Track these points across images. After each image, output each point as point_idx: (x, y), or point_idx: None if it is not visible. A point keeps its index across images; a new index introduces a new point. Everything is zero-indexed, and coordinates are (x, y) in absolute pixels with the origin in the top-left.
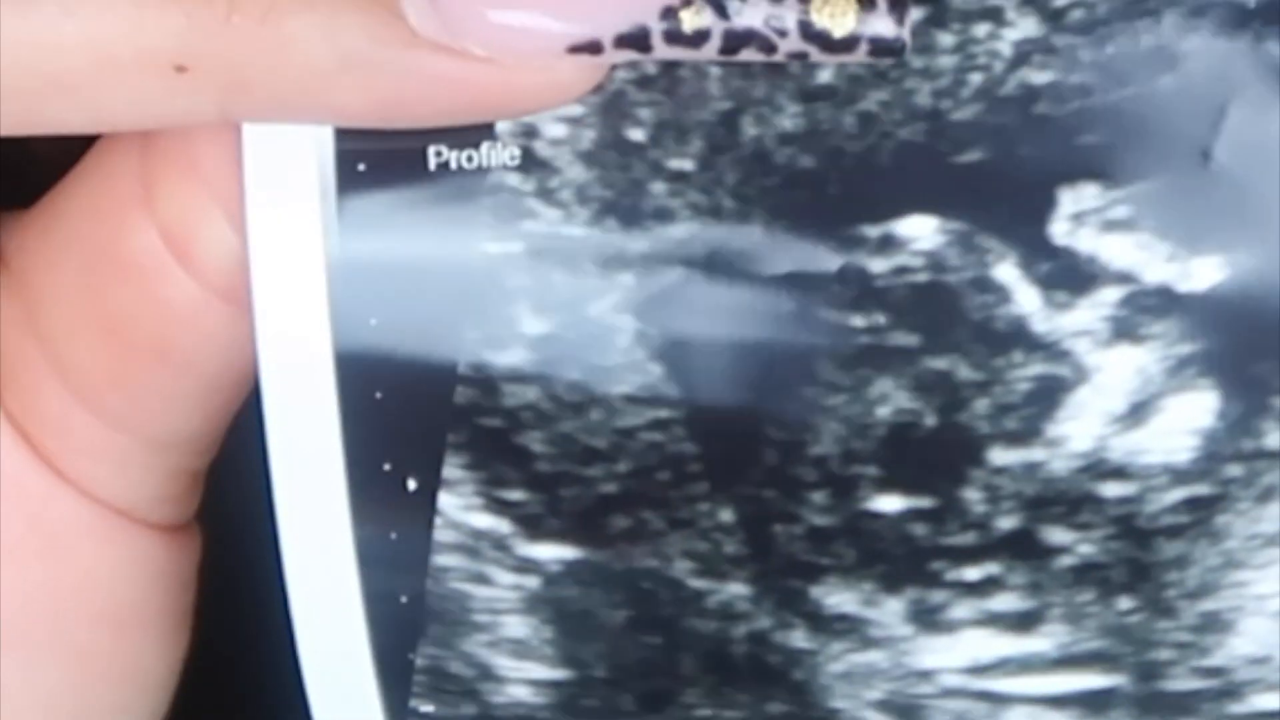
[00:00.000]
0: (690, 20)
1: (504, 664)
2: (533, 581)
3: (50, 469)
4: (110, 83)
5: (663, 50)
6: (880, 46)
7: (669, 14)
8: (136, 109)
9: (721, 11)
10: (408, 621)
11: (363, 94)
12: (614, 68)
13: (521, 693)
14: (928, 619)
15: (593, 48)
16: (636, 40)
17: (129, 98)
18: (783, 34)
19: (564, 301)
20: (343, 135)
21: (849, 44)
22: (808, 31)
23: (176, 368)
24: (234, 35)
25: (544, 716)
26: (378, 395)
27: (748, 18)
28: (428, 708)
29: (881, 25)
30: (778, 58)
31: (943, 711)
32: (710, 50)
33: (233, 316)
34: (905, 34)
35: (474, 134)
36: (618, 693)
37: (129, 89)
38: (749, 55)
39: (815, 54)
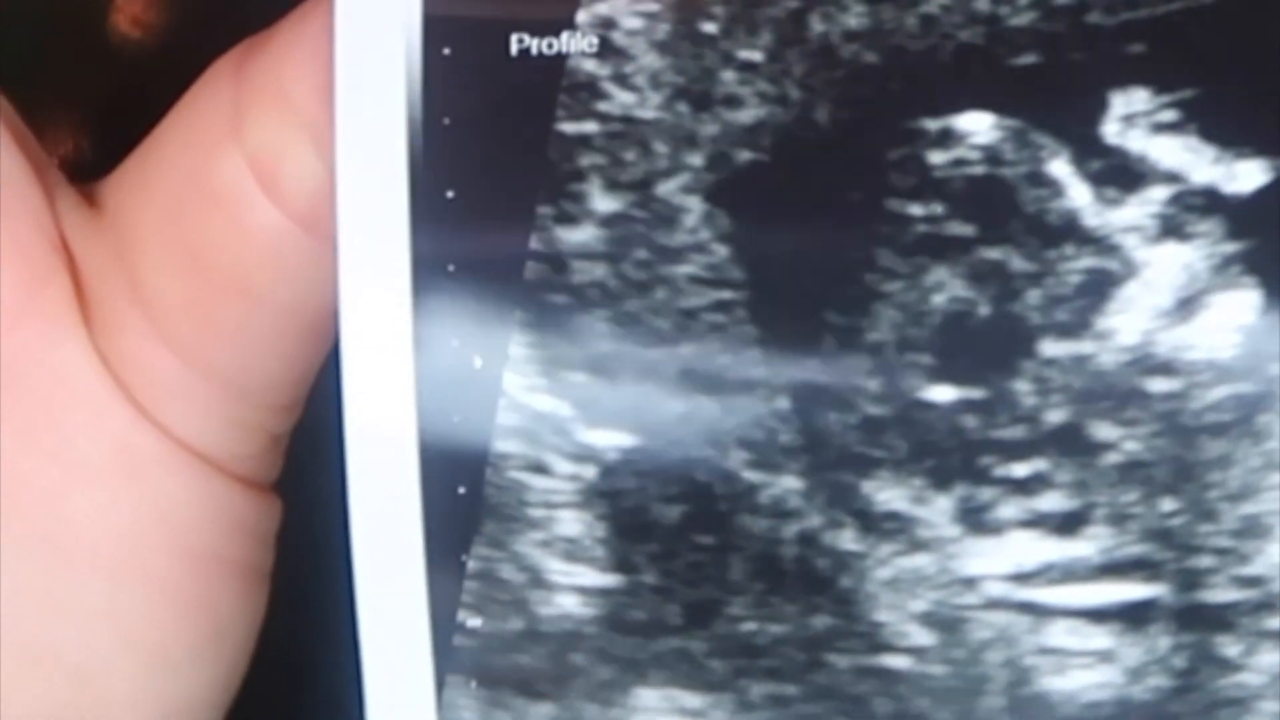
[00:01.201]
0: None
1: (555, 567)
2: (590, 471)
3: (133, 402)
4: None
5: None
6: None
7: None
8: None
9: None
10: (464, 516)
11: None
12: None
13: (570, 602)
14: (975, 519)
15: None
16: None
17: None
18: None
19: (635, 180)
20: (430, 28)
21: None
22: None
23: (254, 300)
24: None
25: (590, 631)
26: (450, 268)
27: None
28: (475, 621)
29: None
30: None
31: (985, 626)
32: None
33: (313, 250)
34: None
35: (555, 24)
36: (666, 603)
37: None
38: None
39: None
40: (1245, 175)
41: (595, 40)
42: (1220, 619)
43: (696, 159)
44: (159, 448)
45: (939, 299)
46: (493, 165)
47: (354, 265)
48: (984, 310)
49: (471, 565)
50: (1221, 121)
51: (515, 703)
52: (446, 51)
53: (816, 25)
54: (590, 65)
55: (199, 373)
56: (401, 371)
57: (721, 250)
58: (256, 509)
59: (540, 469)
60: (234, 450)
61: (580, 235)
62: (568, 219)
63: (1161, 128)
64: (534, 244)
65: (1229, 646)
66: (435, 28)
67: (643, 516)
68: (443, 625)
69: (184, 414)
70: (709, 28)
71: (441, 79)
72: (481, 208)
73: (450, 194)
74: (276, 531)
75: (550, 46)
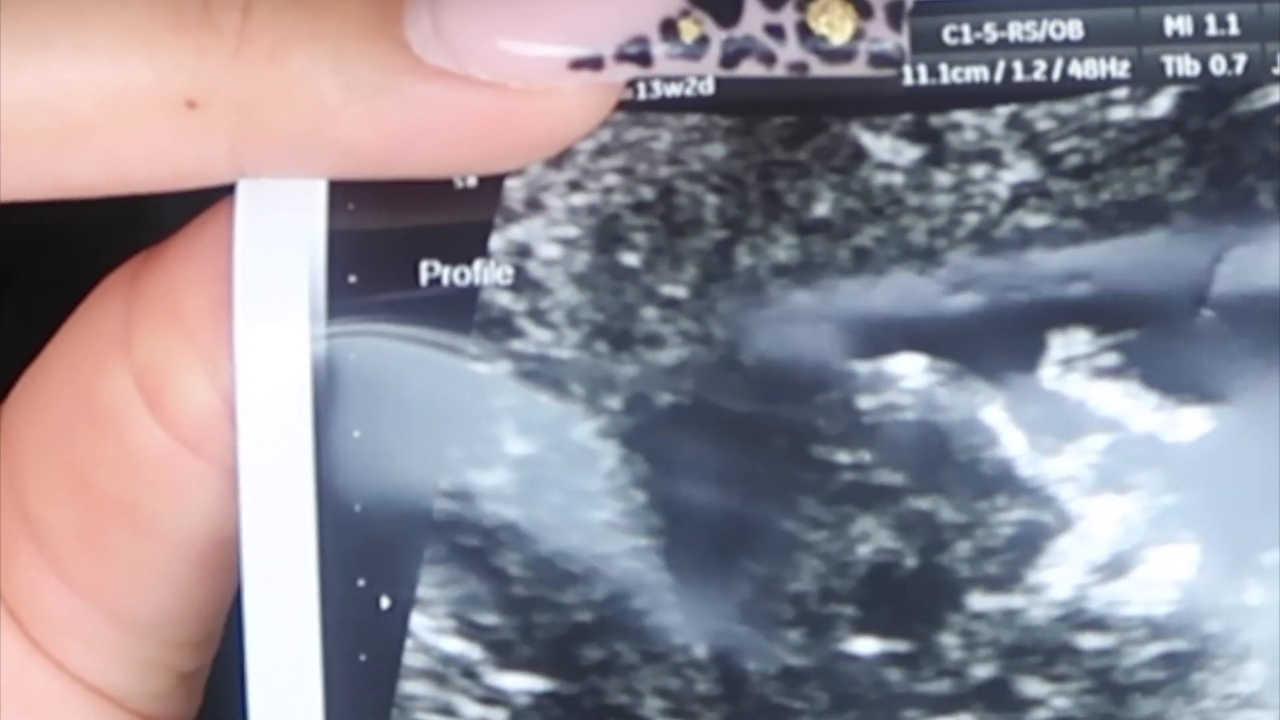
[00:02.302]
0: (689, 30)
1: None
2: (500, 715)
3: (27, 637)
4: (124, 124)
5: (663, 64)
6: (879, 57)
7: (668, 26)
8: (150, 154)
9: (719, 19)
10: None
11: (371, 127)
12: (608, 191)
13: None
14: None
15: (594, 64)
16: (637, 54)
17: (143, 140)
18: (781, 39)
19: (549, 423)
20: (335, 248)
21: (847, 54)
22: (806, 39)
23: (145, 528)
24: (243, 68)
25: None
26: (357, 508)
27: (746, 25)
28: None
29: (879, 32)
30: (778, 70)
31: None
32: (710, 62)
33: (203, 474)
34: (904, 43)
35: (467, 250)
36: None
37: (142, 130)
38: (749, 68)
39: (815, 65)
40: (1187, 423)
41: (510, 271)
42: None
43: (614, 402)
44: (55, 685)
45: (864, 550)
46: (403, 403)
47: (255, 500)
48: (911, 562)
49: None
50: (1163, 366)
51: None
52: (352, 280)
53: (744, 259)
54: (504, 299)
55: (94, 606)
56: (306, 611)
57: (639, 496)
58: None
59: (448, 711)
60: (137, 689)
61: (491, 478)
62: (479, 461)
63: (1101, 372)
64: (443, 484)
65: None
66: (340, 246)
67: None
68: None
69: (81, 650)
70: (630, 260)
71: (346, 308)
72: (389, 447)
73: (357, 434)
74: None
75: (462, 277)
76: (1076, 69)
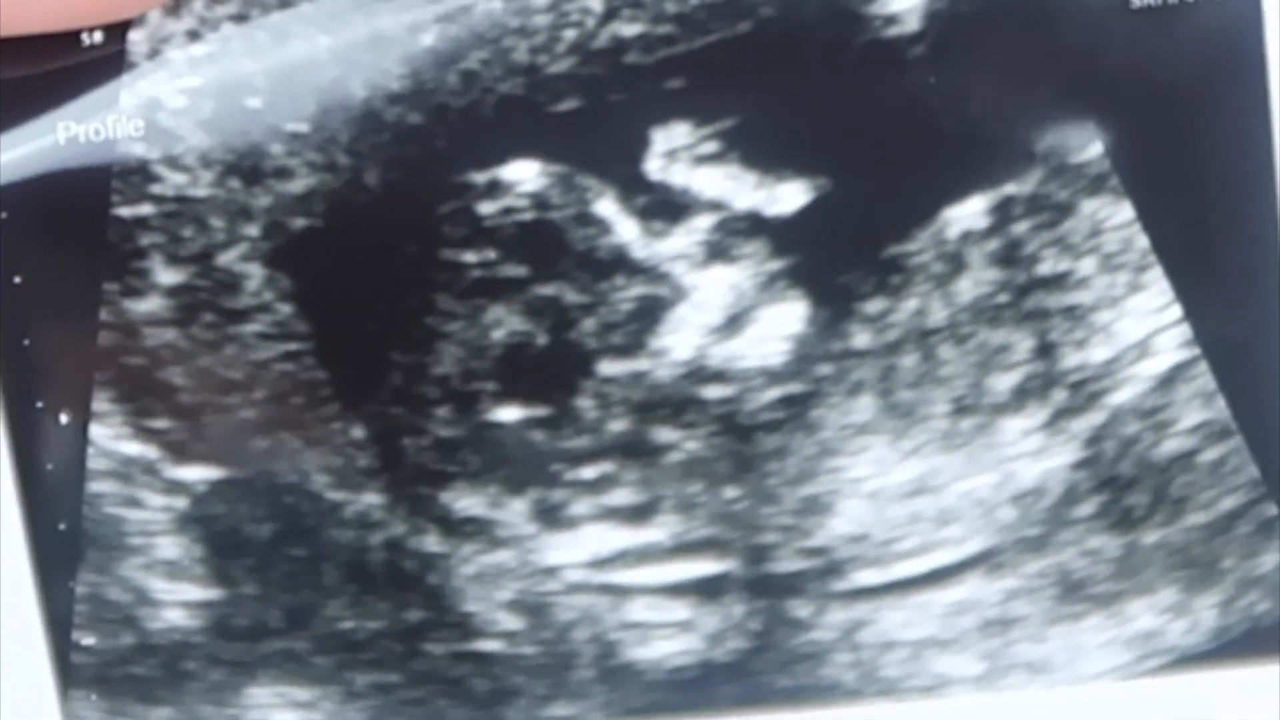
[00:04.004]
0: None
1: (159, 586)
2: (181, 502)
3: None
4: None
5: None
6: None
7: None
8: None
9: None
10: (67, 549)
11: None
12: (226, 40)
13: (176, 616)
14: (550, 517)
15: None
16: None
17: None
18: None
19: (194, 254)
20: None
21: None
22: None
23: None
24: None
25: (197, 640)
26: (25, 342)
27: None
28: (89, 640)
29: None
30: None
31: (569, 608)
32: None
33: None
34: None
35: (99, 108)
36: (266, 609)
37: None
38: None
39: None
40: (786, 197)
41: (141, 123)
42: (789, 586)
43: (253, 229)
44: None
45: (498, 334)
46: (56, 248)
47: None
48: (542, 340)
49: (80, 590)
50: (761, 148)
51: (135, 709)
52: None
53: (359, 91)
54: (139, 149)
55: None
56: None
57: (285, 308)
58: None
59: (134, 503)
60: None
61: (147, 305)
62: (133, 292)
63: (703, 159)
64: (104, 315)
65: (800, 609)
66: None
67: (236, 537)
68: (59, 645)
69: None
70: (253, 102)
71: None
72: (48, 288)
73: (17, 279)
74: None
75: (97, 133)
76: None
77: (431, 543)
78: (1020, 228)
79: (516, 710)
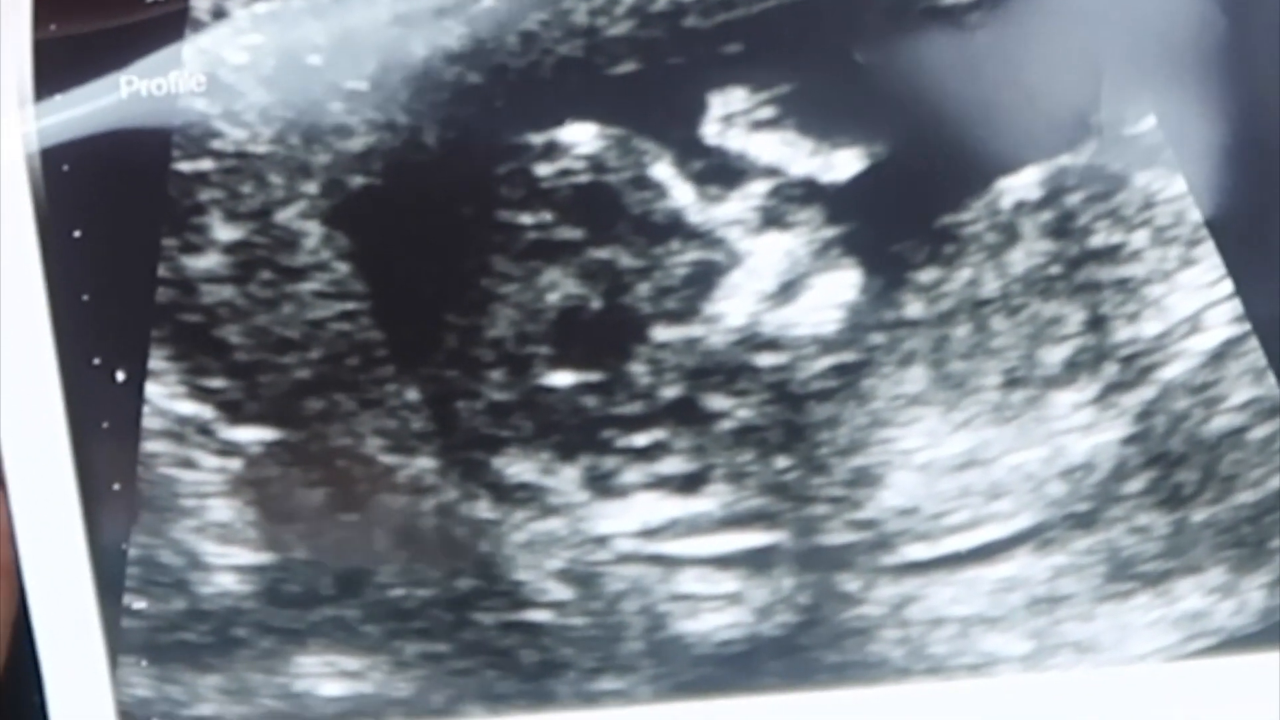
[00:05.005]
0: None
1: (211, 550)
2: (235, 464)
3: None
4: None
5: None
6: None
7: None
8: None
9: None
10: (121, 509)
11: None
12: (291, 1)
13: (228, 580)
14: (601, 484)
15: None
16: None
17: None
18: None
19: (253, 210)
20: (41, 64)
21: None
22: None
23: None
24: None
25: (248, 606)
26: (85, 298)
27: None
28: (140, 603)
29: None
30: None
31: (619, 578)
32: None
33: None
34: None
35: (161, 63)
36: (318, 575)
37: None
38: None
39: None
40: (841, 164)
41: (203, 78)
42: (838, 559)
43: (311, 187)
44: None
45: (553, 297)
46: (116, 203)
47: None
48: (596, 304)
49: (133, 553)
50: (817, 114)
51: (185, 676)
52: (59, 97)
53: (419, 50)
54: (200, 104)
55: None
56: (49, 390)
57: (342, 267)
58: None
59: (188, 464)
60: None
61: (205, 262)
62: (192, 248)
63: (760, 125)
64: (162, 272)
65: (849, 583)
66: (45, 63)
67: (289, 501)
68: (110, 609)
69: None
70: (314, 59)
71: (55, 125)
72: (108, 243)
73: (77, 233)
74: None
75: (159, 88)
76: None
77: (483, 509)
78: (1073, 199)
79: (564, 683)
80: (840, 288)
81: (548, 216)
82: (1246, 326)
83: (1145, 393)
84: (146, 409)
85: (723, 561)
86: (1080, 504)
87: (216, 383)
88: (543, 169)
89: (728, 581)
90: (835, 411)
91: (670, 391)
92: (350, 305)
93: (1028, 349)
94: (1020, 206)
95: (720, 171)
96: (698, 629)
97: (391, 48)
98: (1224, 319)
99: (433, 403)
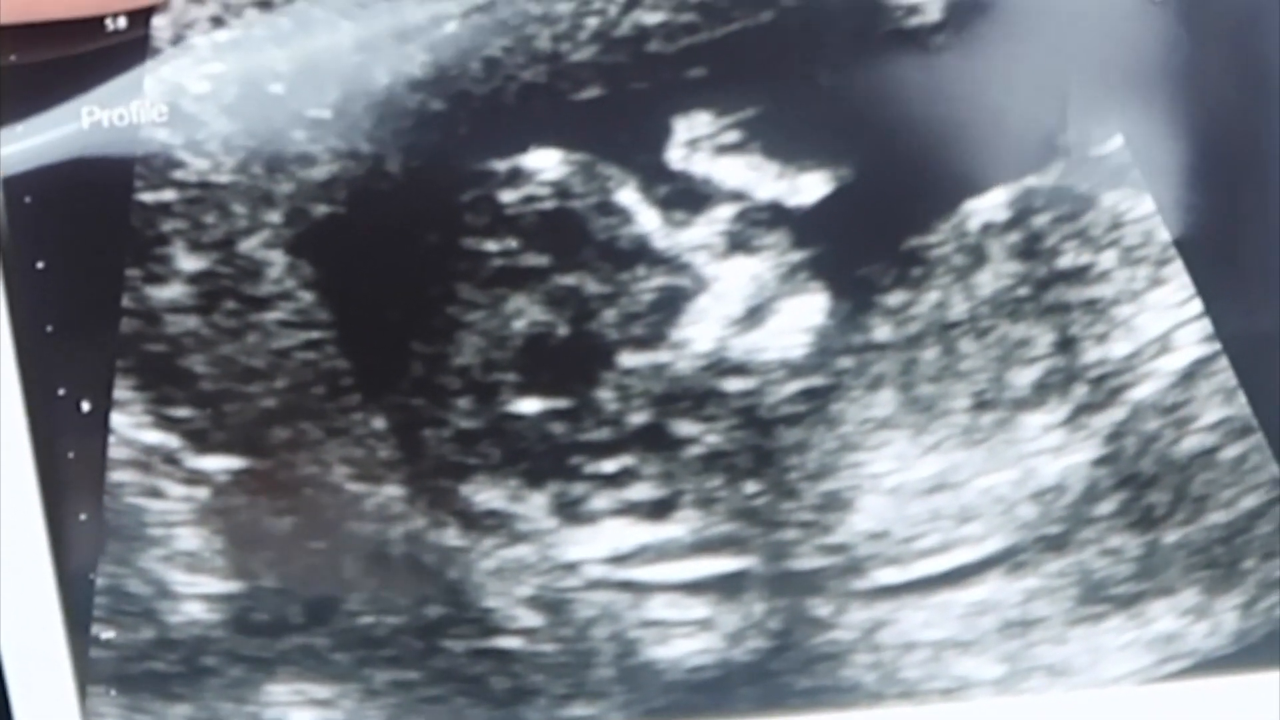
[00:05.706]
0: None
1: (179, 579)
2: (202, 493)
3: None
4: None
5: None
6: None
7: None
8: None
9: None
10: (88, 539)
11: None
12: (249, 26)
13: (196, 609)
14: (570, 511)
15: None
16: None
17: None
18: None
19: (217, 240)
20: (0, 94)
21: None
22: None
23: None
24: None
25: (218, 635)
26: (49, 329)
27: None
28: (109, 633)
29: None
30: None
31: (589, 605)
32: None
33: None
34: None
35: (123, 92)
36: (286, 603)
37: None
38: None
39: None
40: (807, 188)
41: (165, 108)
42: (809, 584)
43: (275, 216)
44: None
45: (519, 324)
46: (79, 234)
47: None
48: (562, 330)
49: (100, 583)
50: (782, 138)
51: (154, 706)
52: (20, 128)
53: (381, 78)
54: (162, 134)
55: None
56: (12, 420)
57: (307, 296)
58: None
59: (155, 493)
60: None
61: (169, 292)
62: (156, 279)
63: (725, 149)
64: (126, 302)
65: (820, 608)
66: (6, 85)
67: (256, 529)
68: (78, 639)
69: None
70: (276, 88)
71: (13, 154)
72: (71, 274)
73: (40, 264)
74: None
75: (121, 118)
76: None
77: (452, 536)
78: (1041, 220)
79: (535, 710)
80: (808, 312)
81: (513, 243)
82: (1216, 346)
83: (1115, 414)
84: (112, 439)
85: (693, 587)
86: (1051, 526)
87: (182, 412)
88: (507, 195)
89: (698, 607)
90: (804, 436)
91: (638, 417)
92: (315, 334)
93: (997, 371)
94: (988, 228)
95: (685, 196)
96: (668, 655)
97: (354, 75)
98: (1194, 338)
99: (399, 431)
